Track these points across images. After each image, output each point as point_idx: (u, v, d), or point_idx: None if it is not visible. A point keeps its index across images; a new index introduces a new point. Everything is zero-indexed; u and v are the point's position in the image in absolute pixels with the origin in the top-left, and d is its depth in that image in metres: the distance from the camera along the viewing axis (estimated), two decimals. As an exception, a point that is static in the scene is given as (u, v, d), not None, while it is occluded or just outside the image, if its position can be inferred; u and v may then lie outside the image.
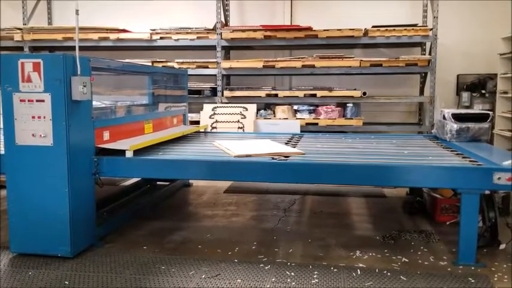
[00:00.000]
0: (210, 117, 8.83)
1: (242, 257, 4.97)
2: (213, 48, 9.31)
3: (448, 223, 6.02)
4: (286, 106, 9.14)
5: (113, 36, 9.46)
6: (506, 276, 4.51)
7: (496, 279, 4.46)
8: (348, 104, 9.10)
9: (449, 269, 4.69)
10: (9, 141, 4.84)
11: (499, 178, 4.55)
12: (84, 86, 4.82)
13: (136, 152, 5.36)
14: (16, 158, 4.85)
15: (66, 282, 4.37)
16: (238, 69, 9.32)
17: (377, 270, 4.62)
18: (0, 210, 6.69)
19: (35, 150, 4.80)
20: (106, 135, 5.50)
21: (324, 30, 8.87)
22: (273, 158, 5.24)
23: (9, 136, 4.84)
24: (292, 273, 4.56)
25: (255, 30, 9.10)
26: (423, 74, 9.40)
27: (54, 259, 4.86)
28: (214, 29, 9.32)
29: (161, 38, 9.39)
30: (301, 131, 8.39)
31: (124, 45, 9.58)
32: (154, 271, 4.63)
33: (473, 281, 4.39)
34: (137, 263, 4.81)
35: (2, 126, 4.90)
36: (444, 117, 6.59)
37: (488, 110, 7.91)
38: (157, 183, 7.88)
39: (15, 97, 4.76)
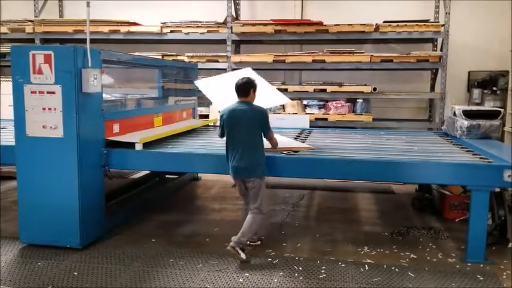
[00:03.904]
0: (219, 111, 8.82)
1: (250, 251, 4.98)
2: (223, 42, 9.30)
3: (457, 220, 6.01)
4: (295, 101, 9.11)
5: (123, 29, 9.47)
6: (515, 274, 4.50)
7: (504, 277, 4.44)
8: (357, 100, 9.06)
9: (457, 266, 4.68)
10: (20, 132, 4.88)
11: (509, 176, 4.53)
12: (95, 79, 4.84)
13: (146, 145, 5.38)
14: (27, 150, 4.89)
15: (75, 273, 4.40)
16: (248, 64, 9.24)
17: (385, 266, 4.62)
18: (7, 200, 6.74)
19: (45, 141, 4.83)
20: (116, 127, 5.53)
21: (335, 25, 8.82)
22: (282, 153, 5.24)
23: (20, 127, 4.87)
24: (300, 268, 4.57)
25: (265, 25, 9.08)
26: (434, 70, 9.34)
27: (63, 250, 4.90)
28: (224, 22, 9.30)
29: (171, 31, 9.38)
30: (310, 126, 8.37)
31: (134, 38, 9.58)
32: (163, 264, 4.65)
33: (481, 278, 4.38)
34: (145, 256, 4.84)
35: (13, 118, 4.94)
36: (455, 114, 6.55)
37: (499, 107, 7.85)
38: (166, 176, 7.91)
39: (26, 89, 4.80)
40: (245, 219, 5.09)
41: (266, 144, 4.99)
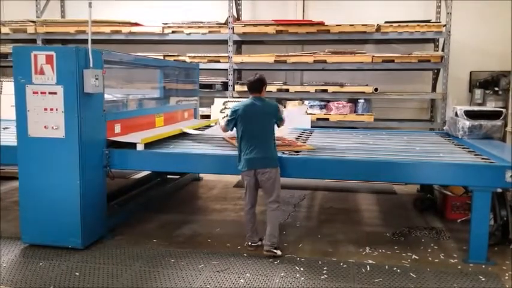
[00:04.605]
0: (220, 112, 8.83)
1: (251, 251, 4.98)
2: (224, 42, 9.30)
3: (459, 221, 6.00)
4: (297, 101, 9.12)
5: (125, 29, 9.48)
6: (517, 275, 4.49)
7: (506, 277, 4.43)
8: (359, 100, 9.05)
9: (459, 267, 4.67)
10: (21, 132, 4.88)
11: (511, 176, 4.52)
12: (96, 79, 4.84)
13: (147, 145, 5.38)
14: (28, 150, 4.89)
15: (77, 274, 4.40)
16: (249, 64, 9.29)
17: (387, 267, 4.61)
18: (9, 201, 6.75)
19: (47, 142, 4.83)
20: (117, 128, 5.53)
21: (336, 25, 8.82)
22: (283, 153, 5.24)
23: (22, 128, 4.88)
24: (302, 268, 4.56)
25: (267, 25, 9.07)
26: (436, 71, 9.33)
27: (64, 250, 4.90)
28: (226, 23, 9.30)
29: (173, 31, 9.38)
30: (311, 126, 8.36)
31: (136, 38, 9.59)
32: (164, 264, 4.65)
33: (483, 279, 4.37)
34: (147, 256, 4.84)
35: (14, 118, 4.94)
36: (456, 114, 6.54)
37: (501, 107, 7.84)
38: (168, 176, 7.91)
39: (28, 89, 4.80)
40: (246, 220, 5.10)
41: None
